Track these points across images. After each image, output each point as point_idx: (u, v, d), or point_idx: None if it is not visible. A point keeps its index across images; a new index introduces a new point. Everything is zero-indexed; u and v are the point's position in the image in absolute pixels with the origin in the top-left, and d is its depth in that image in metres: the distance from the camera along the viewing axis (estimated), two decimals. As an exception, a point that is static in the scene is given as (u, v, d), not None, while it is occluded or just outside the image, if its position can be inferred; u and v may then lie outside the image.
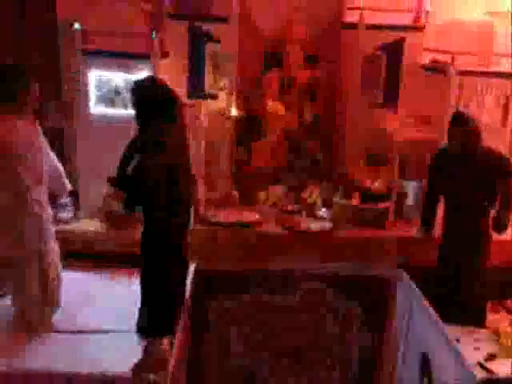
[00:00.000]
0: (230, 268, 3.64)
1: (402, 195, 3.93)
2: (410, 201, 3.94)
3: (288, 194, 4.16)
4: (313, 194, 4.05)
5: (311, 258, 3.70)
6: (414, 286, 3.38)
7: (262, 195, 4.12)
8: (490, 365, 2.79)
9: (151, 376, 2.53)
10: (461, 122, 3.18)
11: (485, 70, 3.90)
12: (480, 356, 2.85)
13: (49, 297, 3.01)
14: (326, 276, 3.73)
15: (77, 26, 3.86)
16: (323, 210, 3.93)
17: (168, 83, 3.03)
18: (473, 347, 2.93)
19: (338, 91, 4.59)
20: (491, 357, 2.86)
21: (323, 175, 4.32)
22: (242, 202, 4.10)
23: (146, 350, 2.69)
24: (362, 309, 3.73)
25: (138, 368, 2.59)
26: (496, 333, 3.05)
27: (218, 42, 4.26)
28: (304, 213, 3.93)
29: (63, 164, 3.42)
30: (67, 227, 3.72)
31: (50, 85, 4.03)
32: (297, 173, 4.32)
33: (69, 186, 3.39)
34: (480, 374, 2.61)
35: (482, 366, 2.75)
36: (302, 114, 4.61)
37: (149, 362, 2.62)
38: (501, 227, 3.15)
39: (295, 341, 3.78)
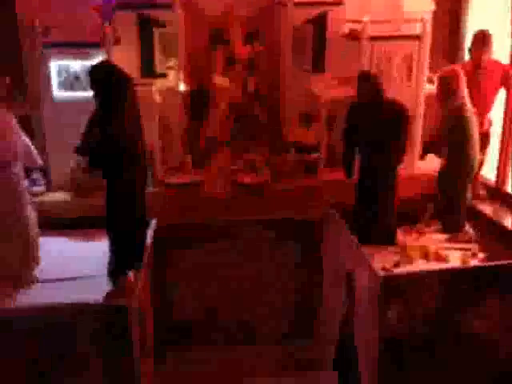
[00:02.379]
0: (186, 221, 4.24)
1: (331, 146, 4.56)
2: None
3: (235, 156, 4.73)
4: (256, 154, 4.64)
5: (255, 207, 4.30)
6: (341, 221, 4.02)
7: (212, 159, 4.69)
8: (395, 270, 3.45)
9: (121, 300, 3.12)
10: (365, 79, 3.81)
11: (392, 34, 4.49)
12: (388, 265, 3.51)
13: (30, 254, 3.55)
14: (268, 222, 4.36)
15: (37, 22, 4.33)
16: (264, 166, 4.52)
17: (121, 66, 3.59)
18: (383, 259, 3.59)
19: (275, 62, 5.17)
20: (396, 265, 3.53)
21: (266, 137, 4.91)
22: (195, 166, 4.67)
23: (115, 283, 3.29)
24: (300, 246, 4.39)
25: (110, 296, 3.18)
26: (403, 248, 3.72)
27: (164, 26, 4.79)
28: (248, 170, 4.52)
29: (34, 145, 3.96)
30: (40, 199, 4.16)
31: (15, 77, 4.54)
32: (242, 137, 4.91)
33: (39, 160, 3.93)
34: (382, 273, 3.25)
35: (385, 269, 3.41)
36: (246, 85, 5.20)
37: (118, 291, 3.21)
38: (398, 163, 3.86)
39: (245, 280, 4.43)
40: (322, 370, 4.29)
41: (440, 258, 3.69)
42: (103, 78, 3.49)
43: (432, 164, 4.30)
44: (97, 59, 4.22)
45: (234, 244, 4.33)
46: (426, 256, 3.70)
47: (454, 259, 3.73)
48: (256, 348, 4.43)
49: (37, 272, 3.58)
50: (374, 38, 4.40)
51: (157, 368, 4.06)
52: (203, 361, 4.32)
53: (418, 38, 4.39)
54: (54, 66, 4.40)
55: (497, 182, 4.43)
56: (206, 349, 4.39)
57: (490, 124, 4.43)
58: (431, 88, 4.44)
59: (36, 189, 4.26)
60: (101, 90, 3.47)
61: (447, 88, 3.90)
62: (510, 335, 3.42)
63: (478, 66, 4.30)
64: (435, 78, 4.18)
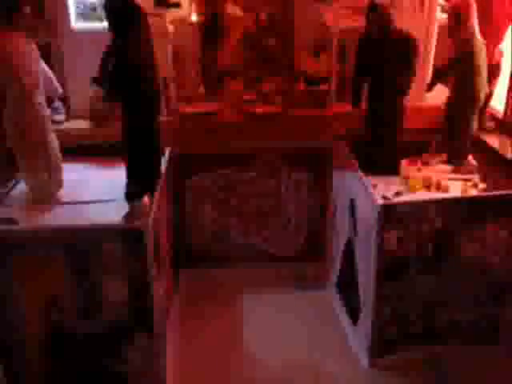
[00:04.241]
0: (200, 148, 4.43)
1: (342, 77, 4.61)
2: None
3: (247, 86, 4.82)
4: (268, 84, 4.73)
5: (266, 137, 4.45)
6: (347, 152, 4.16)
7: (225, 89, 4.79)
8: (397, 198, 3.63)
9: (136, 222, 3.37)
10: (373, 10, 3.83)
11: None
12: (389, 194, 3.68)
13: (53, 177, 3.81)
14: (279, 150, 4.52)
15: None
16: (276, 97, 4.61)
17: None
18: (386, 188, 3.77)
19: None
20: (397, 193, 3.70)
21: (278, 68, 4.97)
22: (208, 96, 4.79)
23: (131, 206, 3.54)
24: (310, 174, 4.57)
25: (127, 217, 3.44)
26: (406, 177, 3.87)
27: (178, -46, 4.75)
28: (260, 101, 4.62)
29: (54, 74, 4.12)
30: (60, 127, 4.34)
31: (35, 6, 4.63)
32: (255, 68, 4.98)
33: (60, 89, 4.10)
34: (381, 201, 3.43)
35: (384, 197, 3.58)
36: (259, 14, 5.20)
37: (134, 213, 3.47)
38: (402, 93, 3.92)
39: (258, 206, 4.66)
40: (327, 289, 4.59)
41: (441, 188, 3.84)
42: (116, 9, 3.59)
43: (440, 97, 4.35)
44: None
45: (248, 170, 4.52)
46: (427, 186, 3.85)
47: (456, 190, 3.88)
48: (267, 269, 4.73)
49: (60, 195, 3.84)
50: (387, -34, 4.34)
51: (175, 287, 4.42)
52: (218, 280, 4.64)
53: (431, -36, 4.33)
54: (71, -4, 4.49)
55: (505, 113, 4.48)
56: (221, 270, 4.70)
57: (501, 55, 4.43)
58: (445, 17, 4.41)
59: (57, 117, 4.45)
60: (115, 21, 3.58)
61: (457, 18, 3.89)
62: (505, 258, 3.62)
63: (491, -5, 4.25)
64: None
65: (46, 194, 3.80)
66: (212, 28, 5.04)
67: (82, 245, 3.23)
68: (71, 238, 3.22)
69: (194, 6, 4.74)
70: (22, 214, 3.55)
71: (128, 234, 3.26)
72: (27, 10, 3.64)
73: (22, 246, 3.08)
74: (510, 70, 4.43)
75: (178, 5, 4.81)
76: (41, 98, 3.70)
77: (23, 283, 3.14)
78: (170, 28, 4.56)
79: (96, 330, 3.30)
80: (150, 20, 4.08)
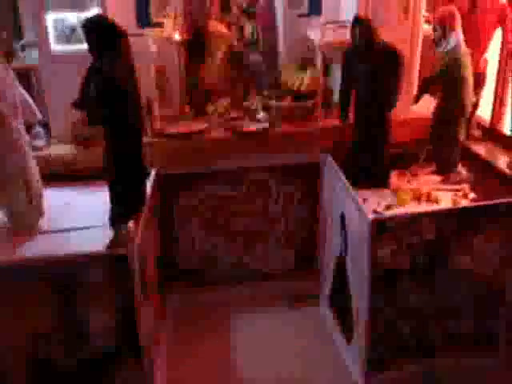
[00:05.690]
0: (186, 169, 4.36)
1: (328, 92, 4.58)
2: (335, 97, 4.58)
3: (233, 104, 4.77)
4: (254, 101, 4.68)
5: (253, 155, 4.38)
6: (336, 166, 4.11)
7: (210, 107, 4.74)
8: (387, 212, 3.57)
9: (121, 250, 3.27)
10: (358, 23, 3.80)
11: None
12: (379, 208, 3.63)
13: (33, 205, 3.66)
14: (266, 167, 4.46)
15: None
16: (262, 113, 4.56)
17: (115, 17, 3.62)
18: (376, 202, 3.71)
19: (272, 7, 5.10)
20: (388, 207, 3.64)
21: (264, 84, 4.93)
22: (194, 115, 4.72)
23: (116, 233, 3.44)
24: (298, 190, 4.51)
25: (110, 245, 3.34)
26: (396, 190, 3.82)
27: (160, -28, 4.72)
28: (246, 118, 4.57)
29: (33, 98, 4.04)
30: (42, 153, 4.20)
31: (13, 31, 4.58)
32: (240, 84, 4.93)
33: (39, 115, 4.01)
34: (372, 216, 3.37)
35: (376, 212, 3.53)
36: (243, 31, 5.17)
37: (118, 240, 3.37)
38: (390, 107, 3.86)
39: (246, 224, 4.57)
40: (319, 305, 4.53)
41: (432, 200, 3.79)
42: (95, 30, 3.54)
43: (427, 108, 4.32)
44: (93, 10, 4.25)
45: (236, 189, 4.45)
46: (417, 198, 3.80)
47: (446, 200, 3.83)
48: (257, 285, 4.66)
49: (41, 223, 3.72)
50: (370, -22, 4.32)
51: (162, 311, 4.32)
52: (206, 301, 4.55)
53: (414, -24, 4.31)
54: (50, 18, 4.41)
55: (491, 122, 4.45)
56: (210, 289, 4.62)
57: (486, 64, 4.41)
58: (429, 28, 4.40)
59: (38, 143, 4.32)
60: (95, 43, 3.52)
61: (442, 29, 3.87)
62: (497, 268, 3.57)
63: (474, 4, 4.24)
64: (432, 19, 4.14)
65: (26, 224, 3.65)
66: (196, 46, 5.00)
67: (66, 275, 3.15)
68: (54, 269, 3.12)
69: (176, 24, 4.70)
70: (1, 247, 3.43)
71: (113, 261, 3.18)
72: (4, 35, 3.56)
73: (3, 281, 2.98)
74: (495, 78, 4.41)
75: (160, 24, 4.78)
76: (19, 124, 3.60)
77: (8, 318, 3.03)
78: (153, 47, 4.51)
79: (83, 357, 3.21)
80: (132, 40, 4.04)
